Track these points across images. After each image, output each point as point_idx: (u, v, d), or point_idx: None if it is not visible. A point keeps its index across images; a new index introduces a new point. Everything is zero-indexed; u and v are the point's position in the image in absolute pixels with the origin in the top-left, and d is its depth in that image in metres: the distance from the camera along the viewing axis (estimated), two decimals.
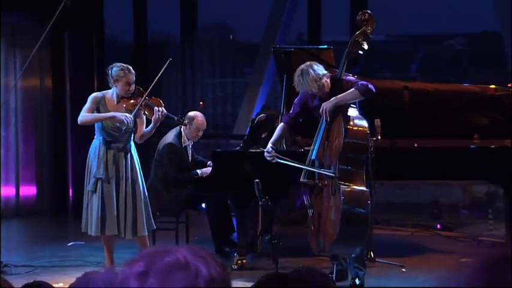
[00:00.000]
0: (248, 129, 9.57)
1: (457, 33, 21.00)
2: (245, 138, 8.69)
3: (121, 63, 7.26)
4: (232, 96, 14.74)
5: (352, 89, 6.86)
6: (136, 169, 7.32)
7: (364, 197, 6.84)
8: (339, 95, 6.88)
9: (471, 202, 11.68)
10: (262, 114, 8.68)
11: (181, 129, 8.17)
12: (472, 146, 8.35)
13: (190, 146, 8.36)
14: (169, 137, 8.24)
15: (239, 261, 7.80)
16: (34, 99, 10.74)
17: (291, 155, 7.46)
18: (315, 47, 9.04)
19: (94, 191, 7.19)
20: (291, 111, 7.33)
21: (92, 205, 7.21)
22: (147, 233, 7.44)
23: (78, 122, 7.32)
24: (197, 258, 1.61)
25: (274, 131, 8.37)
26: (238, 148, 8.78)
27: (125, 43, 14.48)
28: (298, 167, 7.03)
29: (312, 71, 6.87)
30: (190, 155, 8.36)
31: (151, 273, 1.57)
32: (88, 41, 10.97)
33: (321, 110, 6.90)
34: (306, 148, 7.69)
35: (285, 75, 8.04)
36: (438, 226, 10.27)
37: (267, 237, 7.86)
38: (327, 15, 11.46)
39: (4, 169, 10.19)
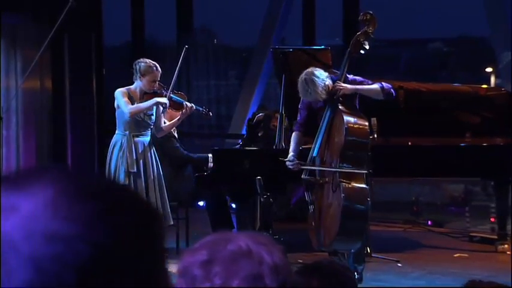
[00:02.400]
0: (245, 128, 9.74)
1: (436, 38, 21.27)
2: (244, 136, 8.86)
3: (150, 60, 7.39)
4: (220, 99, 14.91)
5: (376, 85, 7.02)
6: (158, 162, 7.49)
7: (363, 194, 6.99)
8: (362, 86, 7.05)
9: (450, 200, 11.92)
10: (260, 114, 8.86)
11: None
12: (464, 144, 8.57)
13: (175, 132, 8.51)
14: None
15: None
16: (34, 99, 10.82)
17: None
18: (313, 47, 9.19)
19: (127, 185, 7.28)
20: (298, 118, 7.41)
21: None
22: (171, 222, 7.64)
23: (129, 115, 7.30)
24: (259, 245, 1.60)
25: (270, 130, 8.56)
26: (238, 146, 8.95)
27: (123, 44, 14.62)
28: (321, 169, 7.16)
29: (316, 79, 6.92)
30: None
31: (216, 262, 1.56)
32: (87, 42, 11.07)
33: (337, 88, 6.97)
34: (304, 146, 7.86)
35: (283, 75, 8.19)
36: (429, 222, 10.47)
37: (266, 234, 8.02)
38: (320, 19, 11.63)
39: (5, 167, 10.27)
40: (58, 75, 11.04)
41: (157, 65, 7.39)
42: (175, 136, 8.40)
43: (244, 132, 10.40)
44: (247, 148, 8.41)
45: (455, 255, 8.49)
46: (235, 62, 15.94)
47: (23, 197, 0.91)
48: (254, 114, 9.27)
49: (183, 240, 8.65)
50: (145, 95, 7.40)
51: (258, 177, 7.10)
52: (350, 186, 6.95)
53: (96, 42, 11.23)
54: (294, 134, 7.44)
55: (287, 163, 7.18)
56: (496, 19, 11.32)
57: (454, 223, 10.57)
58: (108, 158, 7.46)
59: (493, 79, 16.41)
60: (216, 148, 8.67)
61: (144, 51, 12.17)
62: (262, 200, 7.23)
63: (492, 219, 10.13)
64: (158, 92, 7.41)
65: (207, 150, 8.58)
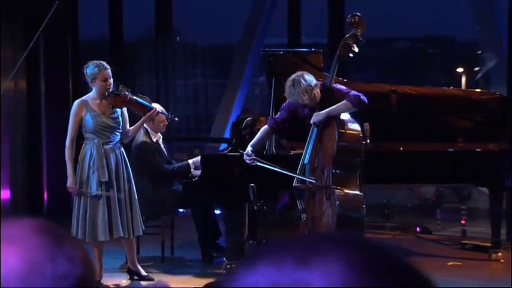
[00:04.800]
0: (229, 132, 9.49)
1: (404, 37, 21.29)
2: (233, 141, 8.59)
3: (94, 61, 7.14)
4: (185, 98, 14.74)
5: (345, 101, 6.90)
6: (129, 168, 7.30)
7: (358, 201, 6.89)
8: (331, 107, 6.91)
9: (421, 203, 11.85)
10: (249, 118, 8.59)
11: (146, 126, 7.96)
12: (457, 150, 8.38)
13: (161, 141, 8.26)
14: (139, 137, 8.03)
15: (228, 266, 7.71)
16: (8, 100, 10.48)
17: (280, 159, 7.43)
18: (305, 50, 8.96)
19: (100, 196, 7.05)
20: (277, 116, 7.32)
21: (97, 210, 7.07)
22: (141, 233, 7.45)
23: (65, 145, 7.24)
24: None
25: (254, 134, 8.32)
26: (226, 151, 8.71)
27: (100, 44, 14.34)
28: (277, 171, 7.00)
29: (303, 81, 6.87)
30: (165, 150, 8.27)
31: None
32: (63, 42, 10.81)
33: (312, 121, 6.93)
34: (294, 152, 7.66)
35: (273, 79, 7.97)
36: (418, 229, 10.29)
37: (252, 242, 7.82)
38: (305, 17, 11.44)
39: None
40: (33, 76, 10.76)
41: (103, 63, 7.15)
42: (156, 149, 8.10)
43: (227, 135, 10.15)
44: (237, 153, 8.14)
45: (448, 264, 8.30)
46: (199, 61, 15.77)
47: (315, 272, 0.85)
48: (240, 118, 8.97)
49: (168, 250, 8.42)
50: (107, 98, 7.15)
51: (252, 184, 6.85)
52: (344, 193, 6.81)
53: (72, 42, 10.96)
54: (263, 127, 7.35)
55: (244, 156, 7.05)
56: (484, 21, 11.21)
57: (427, 225, 10.50)
58: (78, 168, 7.18)
59: (464, 79, 16.36)
60: (204, 154, 8.46)
61: (122, 48, 11.92)
62: (255, 208, 6.99)
63: (463, 222, 10.07)
64: (121, 94, 7.14)
65: (189, 153, 8.35)
